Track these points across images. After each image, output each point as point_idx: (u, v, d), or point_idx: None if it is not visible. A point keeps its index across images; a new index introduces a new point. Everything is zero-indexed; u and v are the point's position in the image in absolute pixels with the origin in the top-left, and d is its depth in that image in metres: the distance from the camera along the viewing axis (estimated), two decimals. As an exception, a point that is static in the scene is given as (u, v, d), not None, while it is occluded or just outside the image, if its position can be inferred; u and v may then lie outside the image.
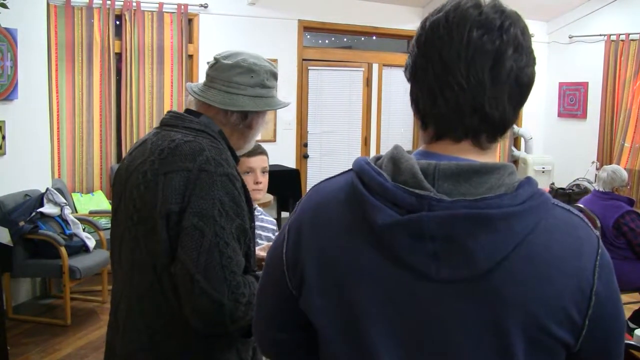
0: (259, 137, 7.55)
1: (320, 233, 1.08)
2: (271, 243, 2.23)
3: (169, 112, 1.89)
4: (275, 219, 7.97)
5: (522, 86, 1.01)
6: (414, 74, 1.05)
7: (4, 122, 4.99)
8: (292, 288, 1.13)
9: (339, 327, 1.06)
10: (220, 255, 1.62)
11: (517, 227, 0.93)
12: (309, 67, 8.25)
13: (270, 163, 8.84)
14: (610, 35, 8.62)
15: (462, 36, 0.98)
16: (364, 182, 1.02)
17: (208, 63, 1.95)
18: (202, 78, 2.06)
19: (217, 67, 1.89)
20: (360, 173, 1.03)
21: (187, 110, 1.91)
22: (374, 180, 1.00)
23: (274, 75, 1.97)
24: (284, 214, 8.01)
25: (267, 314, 1.23)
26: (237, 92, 1.88)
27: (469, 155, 1.03)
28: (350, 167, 1.11)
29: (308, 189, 1.19)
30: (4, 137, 5.00)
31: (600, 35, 8.76)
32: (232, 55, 1.91)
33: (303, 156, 8.35)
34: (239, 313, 1.63)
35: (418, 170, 0.97)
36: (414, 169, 0.98)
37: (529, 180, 0.99)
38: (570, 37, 9.23)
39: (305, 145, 8.36)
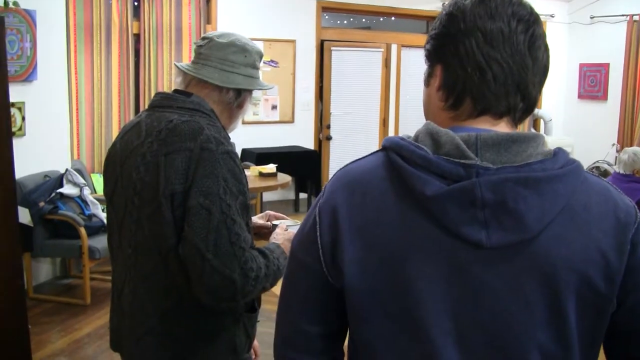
0: (277, 118, 7.55)
1: (360, 211, 1.06)
2: (269, 212, 2.22)
3: (157, 93, 1.88)
4: (293, 199, 8.02)
5: (545, 73, 1.09)
6: (455, 52, 1.06)
7: (23, 103, 5.01)
8: (329, 274, 1.10)
9: (387, 303, 1.04)
10: (229, 233, 1.64)
11: (561, 190, 0.99)
12: (332, 48, 8.19)
13: (289, 144, 8.82)
14: (633, 15, 8.49)
15: (502, 20, 1.04)
16: (404, 157, 1.03)
17: (195, 43, 1.94)
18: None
19: (212, 45, 1.88)
20: (398, 149, 1.04)
21: (176, 91, 1.89)
22: (415, 153, 1.01)
23: (262, 58, 1.99)
24: (302, 195, 8.01)
25: (297, 305, 1.17)
26: (232, 71, 1.88)
27: (505, 131, 1.07)
28: (369, 151, 1.13)
29: (330, 171, 1.17)
30: (23, 118, 5.02)
31: (623, 15, 8.63)
32: (225, 35, 1.91)
33: (326, 138, 8.33)
34: (249, 287, 1.65)
35: (460, 142, 0.99)
36: (455, 140, 1.00)
37: (561, 149, 1.04)
38: (591, 18, 9.10)
39: (328, 127, 8.34)
